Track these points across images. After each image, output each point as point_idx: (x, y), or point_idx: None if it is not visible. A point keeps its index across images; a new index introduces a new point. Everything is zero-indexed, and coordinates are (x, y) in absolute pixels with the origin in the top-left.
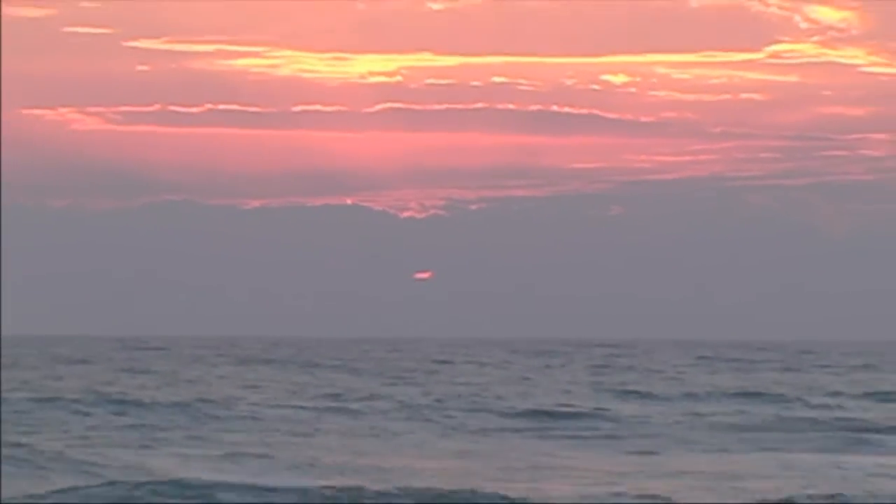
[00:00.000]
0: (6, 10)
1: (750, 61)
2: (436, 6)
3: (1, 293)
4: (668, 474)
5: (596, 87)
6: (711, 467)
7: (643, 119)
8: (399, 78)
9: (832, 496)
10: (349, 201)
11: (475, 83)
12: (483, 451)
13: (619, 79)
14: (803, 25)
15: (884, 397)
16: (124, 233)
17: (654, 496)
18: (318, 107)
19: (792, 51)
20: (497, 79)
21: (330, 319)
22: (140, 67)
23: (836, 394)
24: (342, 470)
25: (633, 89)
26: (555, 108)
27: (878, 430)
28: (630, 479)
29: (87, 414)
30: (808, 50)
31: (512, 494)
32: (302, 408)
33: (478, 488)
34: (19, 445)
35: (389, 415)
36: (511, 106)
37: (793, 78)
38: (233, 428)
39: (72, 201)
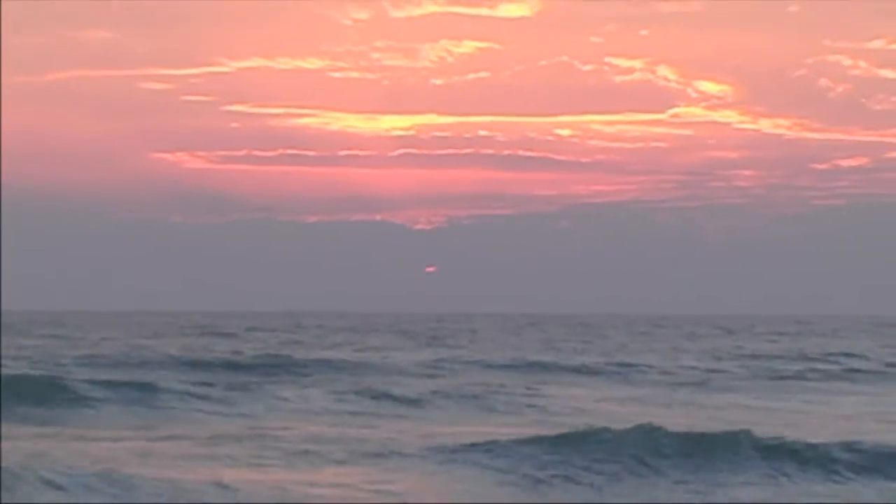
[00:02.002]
0: (142, 84)
1: (657, 120)
2: (438, 81)
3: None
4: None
5: (550, 137)
6: None
7: (583, 160)
8: (413, 132)
9: None
10: (378, 217)
11: (466, 135)
12: None
13: (566, 132)
14: (694, 95)
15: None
16: (220, 239)
17: None
18: (356, 151)
19: (686, 112)
20: (481, 132)
21: (362, 296)
22: (233, 124)
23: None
24: None
25: (575, 139)
26: (521, 152)
27: None
28: None
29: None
30: (697, 112)
31: None
32: None
33: None
34: None
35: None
36: (491, 151)
37: (687, 132)
38: None
39: (185, 217)
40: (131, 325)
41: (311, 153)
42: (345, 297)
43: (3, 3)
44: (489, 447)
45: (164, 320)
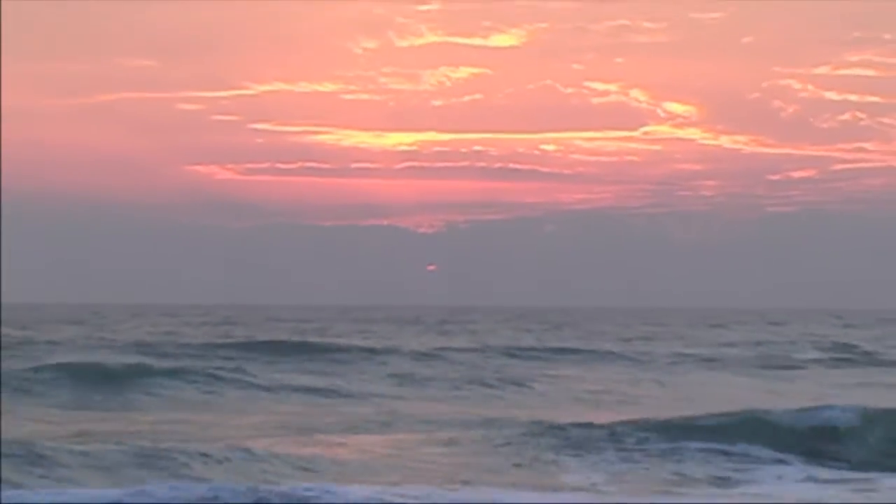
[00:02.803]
0: (178, 105)
1: (630, 137)
2: (437, 103)
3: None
4: None
5: (536, 152)
6: None
7: (565, 172)
8: (415, 147)
9: None
10: (385, 222)
11: (462, 150)
12: None
13: (550, 147)
14: (662, 115)
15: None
16: (245, 241)
17: None
18: (366, 164)
19: (656, 130)
20: (476, 147)
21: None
22: (257, 140)
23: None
24: None
25: (559, 154)
26: (510, 165)
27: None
28: None
29: None
30: (665, 130)
31: None
32: None
33: None
34: None
35: None
36: (484, 164)
37: (657, 147)
38: None
39: (215, 222)
40: (185, 315)
41: (326, 166)
42: (356, 291)
43: (57, 35)
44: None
45: (201, 311)
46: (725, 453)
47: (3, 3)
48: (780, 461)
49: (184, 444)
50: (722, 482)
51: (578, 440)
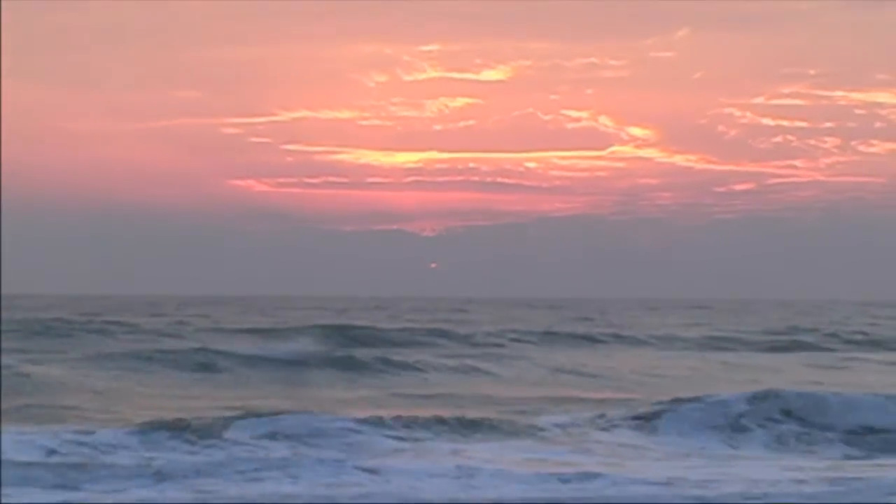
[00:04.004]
0: (221, 129)
1: (599, 156)
2: (438, 127)
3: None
4: None
5: (521, 169)
6: None
7: (544, 185)
8: (420, 164)
9: None
10: (395, 227)
11: (459, 167)
12: None
13: (533, 164)
14: (626, 137)
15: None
16: (278, 243)
17: None
18: (378, 179)
19: (620, 150)
20: (470, 164)
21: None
22: (288, 159)
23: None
24: None
25: (539, 170)
26: (499, 179)
27: None
28: None
29: None
30: (628, 150)
31: None
32: None
33: None
34: None
35: None
36: (477, 179)
37: (621, 164)
38: None
39: (253, 228)
40: (243, 306)
41: (345, 180)
42: (368, 286)
43: (121, 70)
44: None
45: (248, 301)
46: None
47: (70, 43)
48: None
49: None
50: None
51: None
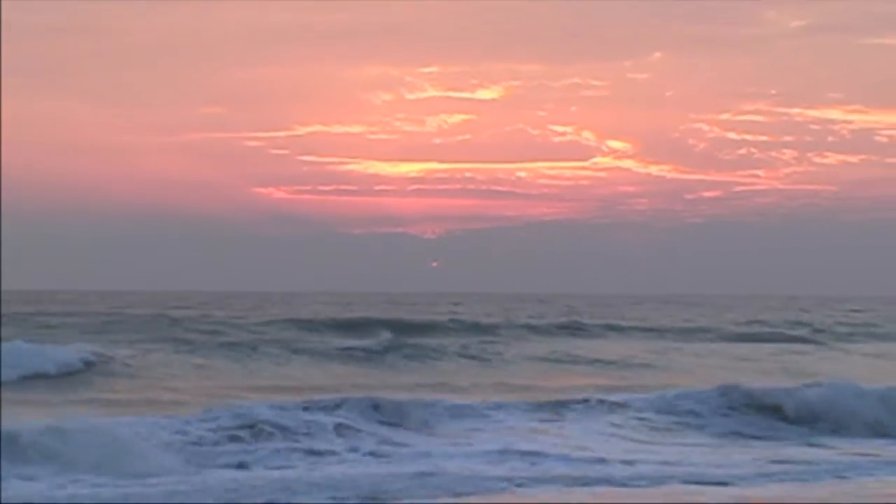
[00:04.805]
0: (244, 142)
1: (583, 166)
2: (438, 141)
3: None
4: None
5: (512, 178)
6: None
7: (533, 192)
8: (422, 174)
9: None
10: (400, 230)
11: (457, 176)
12: None
13: (523, 174)
14: (606, 150)
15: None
16: (297, 245)
17: None
18: (385, 187)
19: (601, 161)
20: (467, 174)
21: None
22: (304, 169)
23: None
24: None
25: (529, 179)
26: (493, 187)
27: None
28: None
29: None
30: (608, 161)
31: None
32: None
33: None
34: None
35: None
36: (473, 187)
37: (602, 174)
38: None
39: (273, 231)
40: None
41: (354, 188)
42: (375, 282)
43: (153, 88)
44: None
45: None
46: None
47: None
48: None
49: None
50: None
51: None
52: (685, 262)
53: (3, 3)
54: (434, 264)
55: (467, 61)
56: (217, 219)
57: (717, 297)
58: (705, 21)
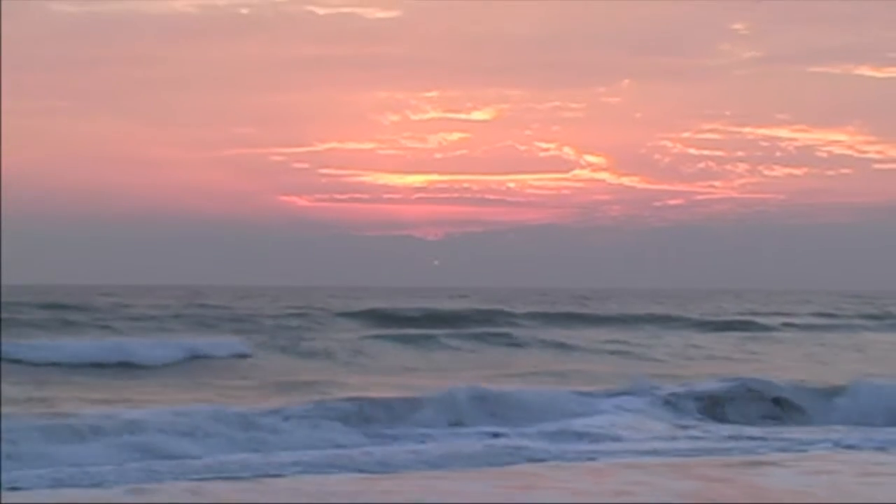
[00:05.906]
0: (270, 157)
1: (564, 178)
2: (438, 156)
3: None
4: None
5: (504, 188)
6: None
7: (521, 200)
8: (425, 184)
9: None
10: (406, 233)
11: (455, 187)
12: None
13: (512, 185)
14: (584, 164)
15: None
16: (316, 247)
17: None
18: (393, 195)
19: (580, 173)
20: (465, 185)
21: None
22: (322, 180)
23: None
24: None
25: (518, 189)
26: (487, 196)
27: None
28: None
29: None
30: (586, 173)
31: None
32: None
33: None
34: None
35: None
36: (469, 195)
37: (581, 184)
38: None
39: (296, 234)
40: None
41: (367, 196)
42: (384, 278)
43: (191, 110)
44: None
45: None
46: None
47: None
48: None
49: None
50: None
51: None
52: (652, 261)
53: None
54: (436, 263)
55: (464, 87)
56: (248, 223)
57: (680, 291)
58: (668, 52)
